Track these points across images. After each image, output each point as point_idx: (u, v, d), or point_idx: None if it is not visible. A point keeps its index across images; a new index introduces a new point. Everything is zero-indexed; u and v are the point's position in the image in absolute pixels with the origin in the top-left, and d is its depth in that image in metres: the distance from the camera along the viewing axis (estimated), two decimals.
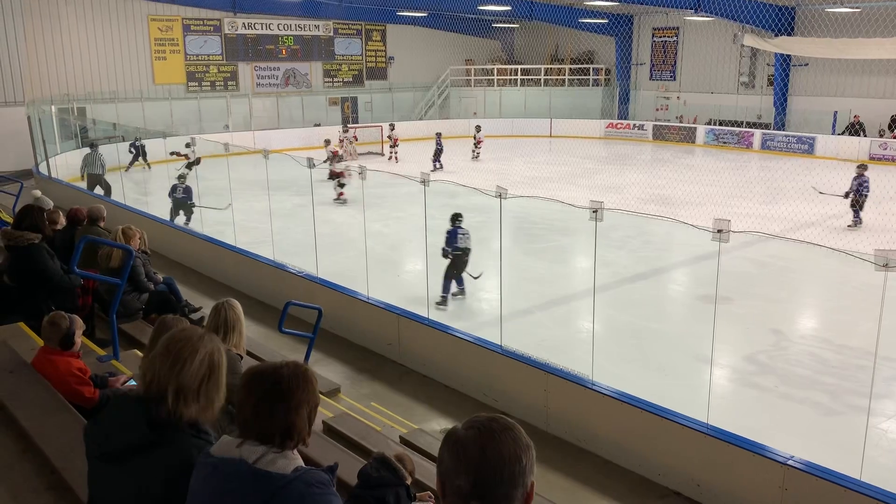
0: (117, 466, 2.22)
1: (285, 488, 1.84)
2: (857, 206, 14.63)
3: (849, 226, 14.60)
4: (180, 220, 14.30)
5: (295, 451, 1.97)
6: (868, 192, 14.60)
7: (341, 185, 17.25)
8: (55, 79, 23.37)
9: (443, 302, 10.13)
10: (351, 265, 10.78)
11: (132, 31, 25.88)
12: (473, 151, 24.32)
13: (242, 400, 1.98)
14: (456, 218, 10.23)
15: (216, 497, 1.90)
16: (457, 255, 10.09)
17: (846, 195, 14.63)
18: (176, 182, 14.11)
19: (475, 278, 10.27)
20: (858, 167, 15.01)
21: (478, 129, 24.46)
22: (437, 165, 21.70)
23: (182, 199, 14.03)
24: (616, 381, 6.76)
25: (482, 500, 1.49)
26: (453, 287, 10.34)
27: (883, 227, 12.56)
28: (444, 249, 10.06)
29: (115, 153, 19.52)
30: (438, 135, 22.73)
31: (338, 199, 17.06)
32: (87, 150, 18.41)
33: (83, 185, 17.99)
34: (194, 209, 13.91)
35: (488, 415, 1.59)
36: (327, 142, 20.75)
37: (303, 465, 1.94)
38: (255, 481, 1.85)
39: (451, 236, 10.09)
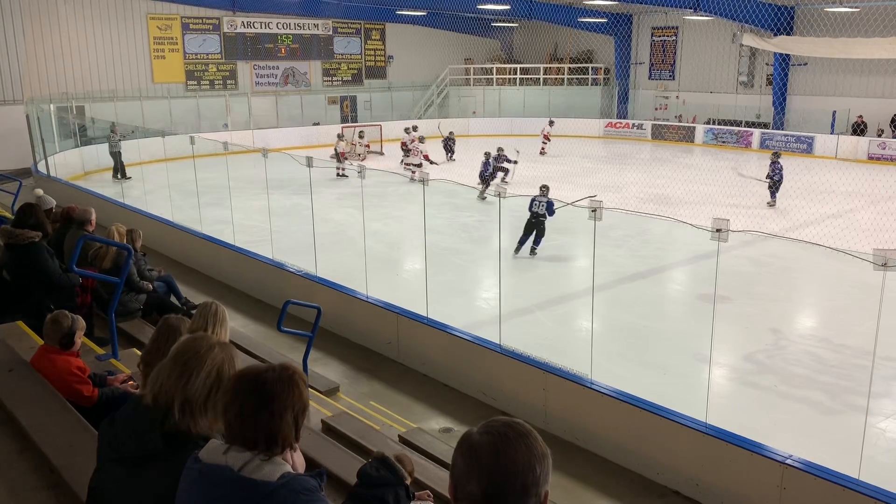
0: (129, 471, 2.22)
1: (271, 496, 1.79)
2: (773, 188, 16.54)
3: (769, 203, 16.37)
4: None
5: (283, 457, 1.91)
6: (781, 177, 16.48)
7: (418, 165, 19.39)
8: (54, 77, 23.34)
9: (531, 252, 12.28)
10: (350, 264, 10.78)
11: (131, 30, 25.82)
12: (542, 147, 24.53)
13: (227, 404, 1.93)
14: (541, 189, 12.19)
15: None
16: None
17: (767, 177, 16.66)
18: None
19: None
20: (773, 154, 17.35)
21: (551, 122, 25.51)
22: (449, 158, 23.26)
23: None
24: (615, 381, 6.77)
25: None
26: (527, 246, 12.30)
27: (883, 227, 12.55)
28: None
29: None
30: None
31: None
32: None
33: (83, 184, 18.01)
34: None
35: (505, 419, 1.55)
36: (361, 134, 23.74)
37: (290, 471, 1.88)
38: (240, 489, 1.81)
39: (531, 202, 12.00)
